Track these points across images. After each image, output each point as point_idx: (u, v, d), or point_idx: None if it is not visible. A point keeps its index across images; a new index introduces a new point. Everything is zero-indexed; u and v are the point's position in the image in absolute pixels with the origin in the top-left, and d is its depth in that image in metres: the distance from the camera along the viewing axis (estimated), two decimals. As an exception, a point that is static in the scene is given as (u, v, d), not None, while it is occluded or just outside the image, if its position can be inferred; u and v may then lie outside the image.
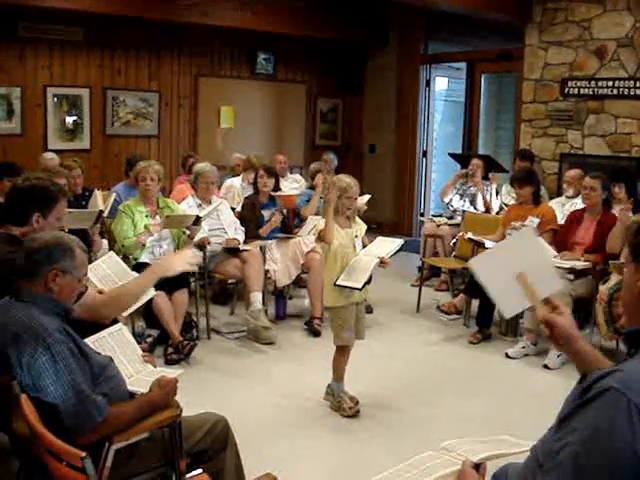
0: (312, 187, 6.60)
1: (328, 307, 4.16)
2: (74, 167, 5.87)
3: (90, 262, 3.57)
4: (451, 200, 7.14)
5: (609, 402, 1.39)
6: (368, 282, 3.97)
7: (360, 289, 3.92)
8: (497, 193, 7.14)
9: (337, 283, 3.92)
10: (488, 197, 7.00)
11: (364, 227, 4.21)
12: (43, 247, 2.36)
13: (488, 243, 5.52)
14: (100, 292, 3.23)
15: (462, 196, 7.10)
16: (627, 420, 1.35)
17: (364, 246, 4.21)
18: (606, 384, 1.41)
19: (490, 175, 7.40)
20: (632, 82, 6.85)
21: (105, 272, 3.44)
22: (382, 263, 4.00)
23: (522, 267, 1.81)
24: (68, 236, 2.51)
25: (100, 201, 5.66)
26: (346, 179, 4.04)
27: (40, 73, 7.56)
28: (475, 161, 7.08)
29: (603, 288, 4.67)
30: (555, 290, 1.86)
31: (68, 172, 5.64)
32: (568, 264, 4.95)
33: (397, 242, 4.21)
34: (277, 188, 6.13)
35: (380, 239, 4.28)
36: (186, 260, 3.02)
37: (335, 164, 7.76)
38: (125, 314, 3.93)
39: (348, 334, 4.02)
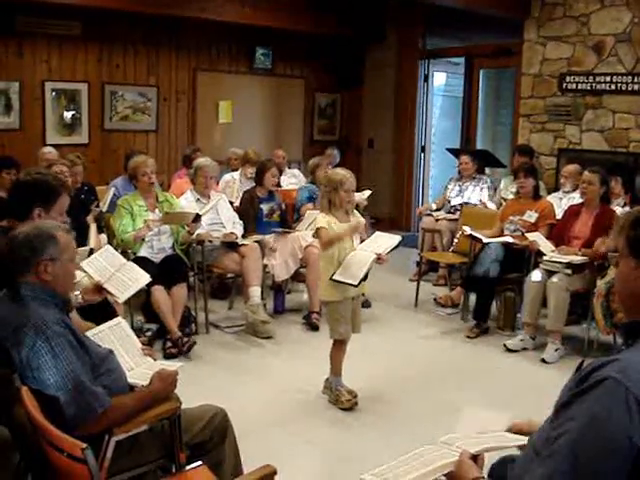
0: (312, 182, 6.59)
1: (324, 301, 4.16)
2: (77, 164, 5.87)
3: (89, 255, 3.59)
4: (450, 200, 7.15)
5: (607, 391, 1.40)
6: (364, 278, 3.94)
7: (356, 285, 3.91)
8: (495, 189, 7.15)
9: (333, 278, 3.92)
10: (484, 195, 7.01)
11: (362, 221, 4.20)
12: (25, 241, 2.36)
13: (486, 239, 5.53)
14: (97, 284, 3.25)
15: (460, 192, 7.12)
16: (624, 409, 1.37)
17: (361, 241, 4.21)
18: (604, 373, 1.42)
19: (487, 171, 7.39)
20: (630, 77, 6.85)
21: (102, 264, 3.45)
22: (379, 259, 3.95)
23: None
24: (49, 223, 2.50)
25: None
26: (341, 172, 4.02)
27: (38, 68, 7.53)
28: (463, 157, 7.14)
29: (600, 282, 4.68)
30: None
31: (70, 163, 5.65)
32: (566, 259, 4.96)
33: (395, 239, 4.11)
34: (277, 183, 6.16)
35: (377, 234, 4.21)
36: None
37: (337, 160, 7.76)
38: (122, 306, 3.96)
39: (344, 328, 4.02)
